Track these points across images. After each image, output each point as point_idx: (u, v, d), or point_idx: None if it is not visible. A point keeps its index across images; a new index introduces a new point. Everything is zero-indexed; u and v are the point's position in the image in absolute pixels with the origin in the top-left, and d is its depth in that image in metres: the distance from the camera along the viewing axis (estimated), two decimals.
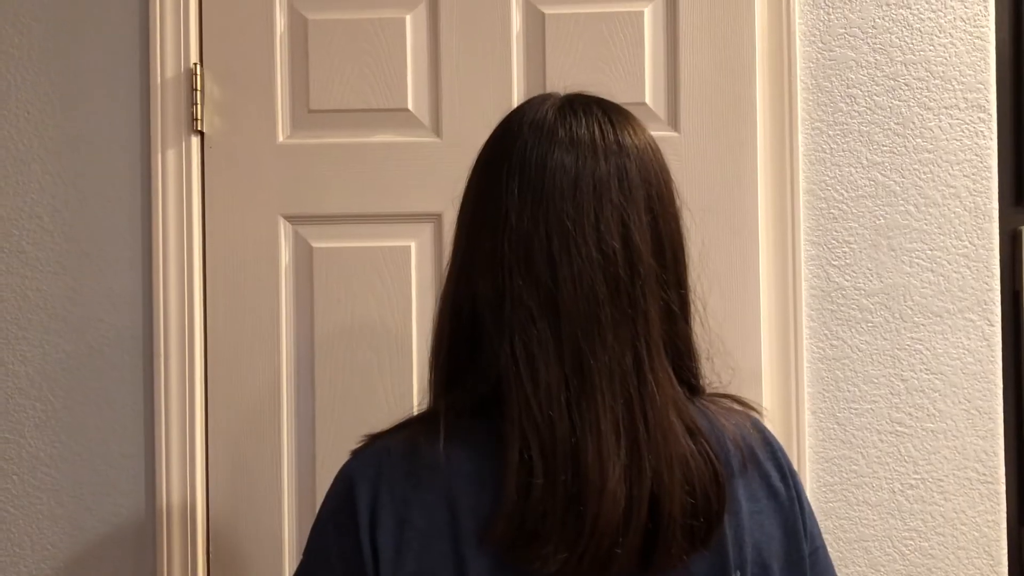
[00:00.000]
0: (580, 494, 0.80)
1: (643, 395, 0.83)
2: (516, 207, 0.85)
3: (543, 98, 0.92)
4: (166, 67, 1.48)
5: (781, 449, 0.95)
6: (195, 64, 1.48)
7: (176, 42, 1.48)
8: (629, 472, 0.81)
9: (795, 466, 1.43)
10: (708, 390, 0.94)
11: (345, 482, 0.89)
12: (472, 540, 0.83)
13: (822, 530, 1.45)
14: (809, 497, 1.43)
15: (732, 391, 0.97)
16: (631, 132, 0.89)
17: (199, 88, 1.47)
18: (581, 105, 0.90)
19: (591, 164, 0.85)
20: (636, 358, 0.83)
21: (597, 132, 0.87)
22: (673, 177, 0.91)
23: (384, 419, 1.45)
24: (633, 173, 0.86)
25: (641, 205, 0.86)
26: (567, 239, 0.83)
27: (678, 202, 0.91)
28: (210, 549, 1.48)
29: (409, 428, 0.91)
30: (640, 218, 0.85)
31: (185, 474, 1.47)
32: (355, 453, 0.92)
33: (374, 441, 0.92)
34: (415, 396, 1.46)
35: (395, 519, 0.85)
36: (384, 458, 0.88)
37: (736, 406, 0.94)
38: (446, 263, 0.93)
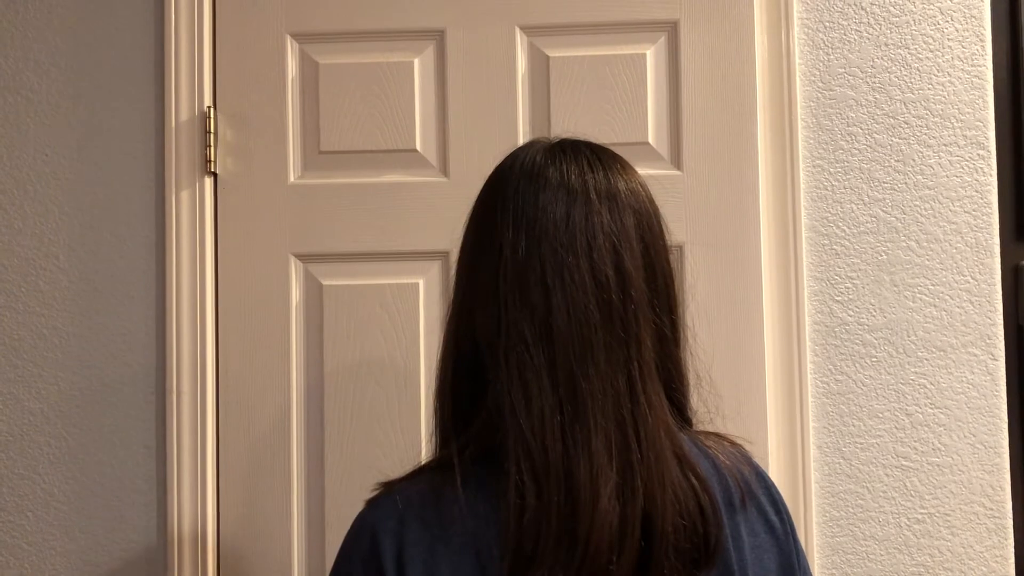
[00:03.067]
0: (573, 514, 0.81)
1: (636, 416, 0.84)
2: (511, 241, 0.87)
3: (533, 143, 0.95)
4: (180, 110, 1.52)
5: (773, 483, 0.97)
6: (209, 107, 1.51)
7: (190, 86, 1.52)
8: (621, 490, 0.82)
9: (801, 501, 1.44)
10: (696, 427, 0.95)
11: (367, 534, 0.87)
12: None
13: (829, 565, 1.45)
14: (815, 532, 1.44)
15: (737, 424, 0.98)
16: (620, 169, 0.92)
17: (212, 131, 1.51)
18: (570, 147, 0.93)
19: (582, 198, 0.88)
20: (629, 380, 0.85)
21: (587, 169, 0.89)
22: (676, 214, 0.94)
23: (392, 455, 1.47)
24: (623, 204, 0.89)
25: (632, 234, 0.88)
26: (561, 266, 0.85)
27: (667, 236, 0.93)
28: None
29: (425, 475, 0.90)
30: (632, 246, 0.88)
31: (196, 510, 1.48)
32: (372, 503, 0.91)
33: (390, 490, 0.90)
34: (423, 432, 1.48)
35: (424, 571, 0.84)
36: (405, 508, 0.87)
37: (725, 442, 0.95)
38: (447, 306, 0.95)
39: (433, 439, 0.94)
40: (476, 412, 0.88)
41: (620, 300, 0.86)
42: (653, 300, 0.88)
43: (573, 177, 0.88)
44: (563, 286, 0.85)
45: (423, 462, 0.93)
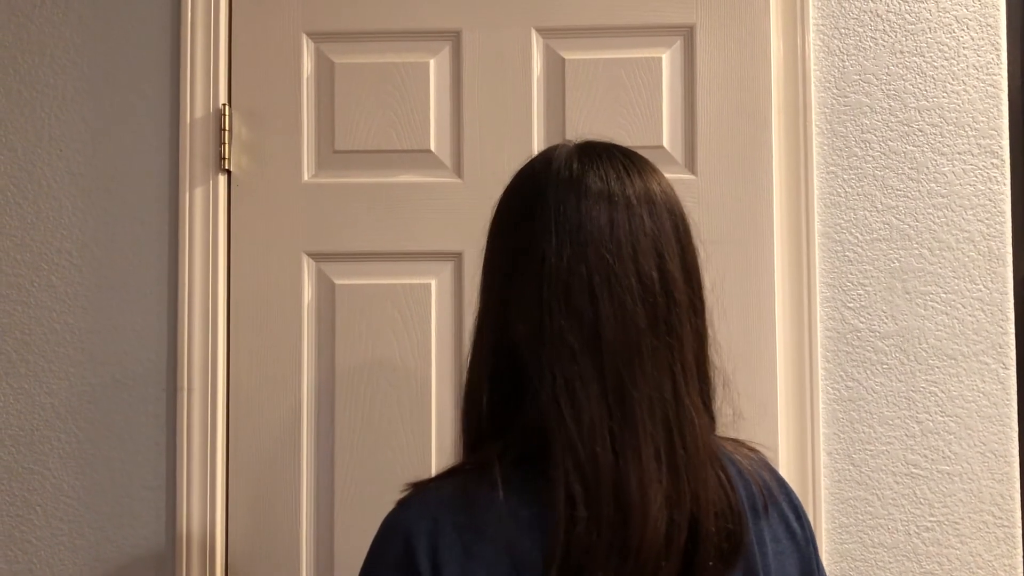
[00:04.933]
0: (625, 524, 0.81)
1: (682, 420, 0.85)
2: (554, 249, 0.86)
3: (559, 146, 0.94)
4: (195, 108, 1.52)
5: (792, 490, 0.97)
6: (224, 105, 1.51)
7: (206, 83, 1.52)
8: (670, 497, 0.82)
9: (810, 507, 1.44)
10: (717, 430, 0.96)
11: (400, 535, 0.86)
12: None
13: (838, 571, 1.45)
14: (824, 538, 1.44)
15: (748, 430, 0.99)
16: (651, 172, 0.92)
17: (227, 128, 1.51)
18: (603, 151, 0.92)
19: (623, 202, 0.87)
20: (673, 383, 0.85)
21: (623, 173, 0.89)
22: (689, 218, 0.94)
23: (402, 455, 1.47)
24: (660, 206, 0.89)
25: (671, 236, 0.89)
26: (608, 273, 0.85)
27: (695, 237, 0.93)
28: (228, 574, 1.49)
29: (460, 476, 0.88)
30: (672, 248, 0.88)
31: (205, 507, 1.49)
32: (403, 504, 0.89)
33: (422, 491, 0.89)
34: (433, 432, 1.48)
35: (460, 574, 0.83)
36: (440, 509, 0.86)
37: (743, 447, 0.96)
38: (475, 315, 0.93)
39: (460, 442, 0.93)
40: (512, 417, 0.88)
41: (664, 303, 0.86)
42: (693, 300, 0.89)
43: (612, 182, 0.88)
44: (611, 293, 0.84)
45: (452, 464, 0.92)
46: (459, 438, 0.93)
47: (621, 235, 0.86)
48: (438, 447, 1.48)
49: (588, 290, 0.85)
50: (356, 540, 1.48)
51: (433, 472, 1.47)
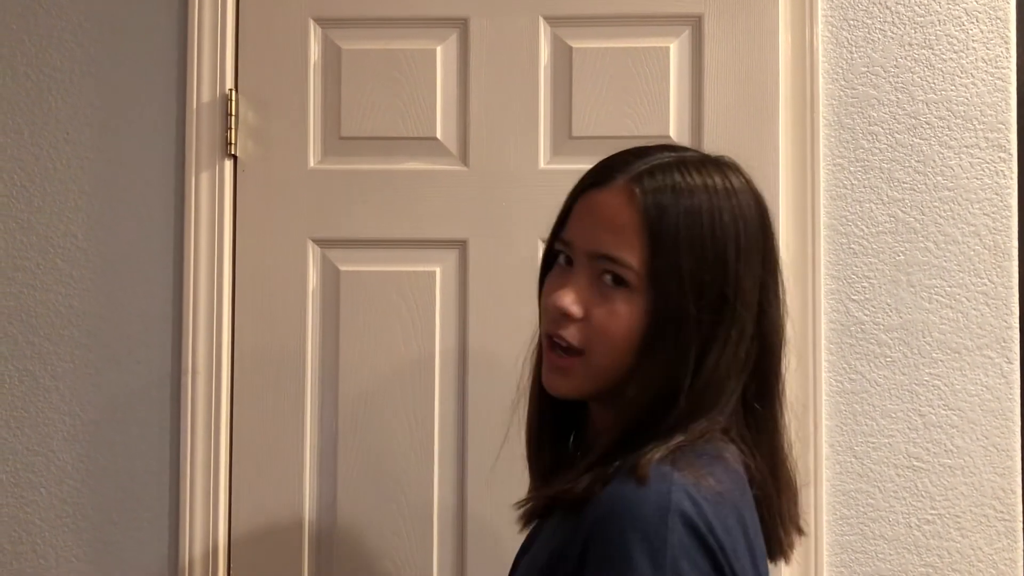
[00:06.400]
0: (780, 498, 0.98)
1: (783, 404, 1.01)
2: (782, 283, 1.00)
3: (730, 163, 0.99)
4: (202, 92, 1.52)
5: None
6: (230, 90, 1.51)
7: (212, 68, 1.52)
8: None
9: (812, 499, 1.44)
10: None
11: (734, 514, 0.89)
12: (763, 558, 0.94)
13: (838, 563, 1.46)
14: (825, 530, 1.45)
15: None
16: None
17: (234, 113, 1.51)
18: None
19: None
20: None
21: None
22: None
23: (405, 441, 1.47)
24: None
25: None
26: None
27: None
28: (231, 561, 1.50)
29: (717, 456, 0.92)
30: None
31: (209, 490, 1.49)
32: (710, 489, 0.88)
33: (711, 470, 0.89)
34: (436, 419, 1.49)
35: (761, 558, 0.93)
36: (739, 486, 0.92)
37: None
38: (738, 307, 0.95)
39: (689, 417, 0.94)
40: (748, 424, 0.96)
41: None
42: None
43: None
44: (779, 303, 1.00)
45: (703, 453, 0.93)
46: (687, 414, 0.93)
47: None
48: (441, 434, 1.49)
49: (781, 300, 1.00)
50: (358, 521, 1.49)
51: (437, 461, 1.48)
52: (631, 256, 0.91)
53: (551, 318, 0.95)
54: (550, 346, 0.96)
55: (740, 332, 0.93)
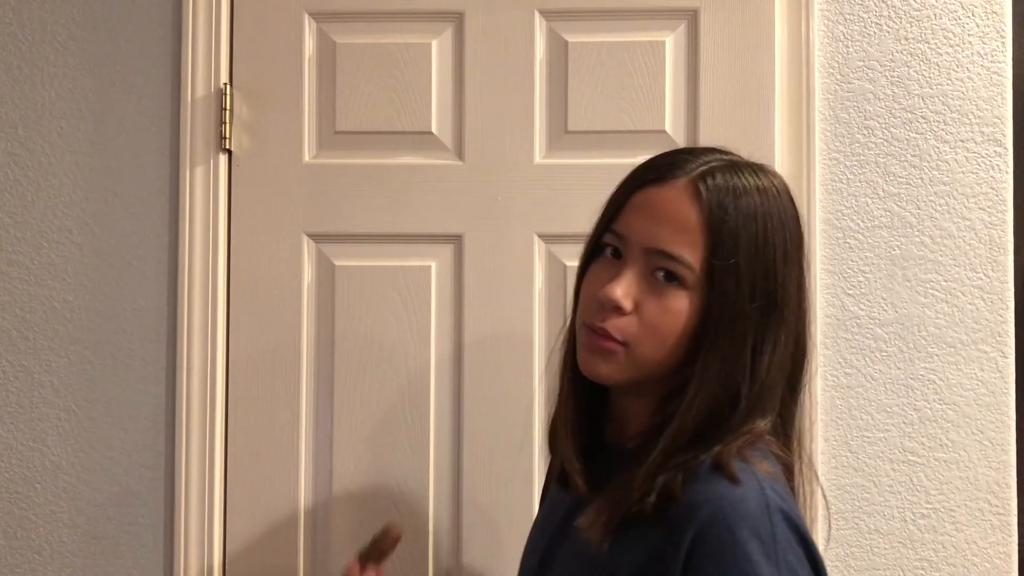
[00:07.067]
0: (804, 490, 1.01)
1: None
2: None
3: (771, 170, 1.01)
4: (197, 86, 1.51)
5: None
6: (225, 84, 1.51)
7: (207, 62, 1.51)
8: None
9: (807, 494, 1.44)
10: None
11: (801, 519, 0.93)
12: None
13: (833, 557, 1.46)
14: (820, 525, 1.45)
15: None
16: None
17: (228, 108, 1.50)
18: None
19: None
20: None
21: None
22: None
23: (401, 436, 1.47)
24: None
25: None
26: None
27: None
28: (226, 555, 1.50)
29: (768, 452, 0.95)
30: None
31: (204, 485, 1.49)
32: (782, 484, 0.93)
33: (774, 467, 0.93)
34: (431, 414, 1.48)
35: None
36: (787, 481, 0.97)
37: None
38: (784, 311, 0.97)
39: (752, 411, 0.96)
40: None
41: None
42: None
43: None
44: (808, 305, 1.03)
45: (758, 447, 0.95)
46: (751, 411, 0.95)
47: None
48: (436, 430, 1.49)
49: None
50: (352, 519, 1.49)
51: (432, 457, 1.48)
52: (691, 254, 0.92)
53: (598, 308, 0.95)
54: (590, 332, 0.96)
55: (787, 334, 0.95)
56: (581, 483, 0.98)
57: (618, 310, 0.93)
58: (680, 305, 0.93)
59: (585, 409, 1.03)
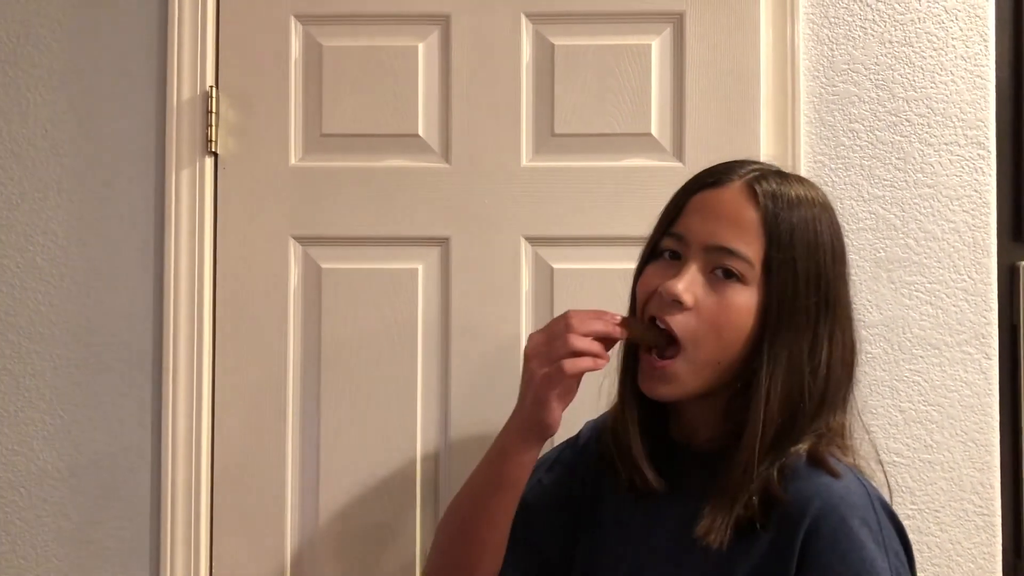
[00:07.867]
0: None
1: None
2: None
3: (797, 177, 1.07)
4: (182, 89, 1.51)
5: None
6: (211, 87, 1.51)
7: (193, 65, 1.51)
8: None
9: None
10: None
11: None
12: None
13: None
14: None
15: None
16: None
17: (214, 110, 1.50)
18: None
19: None
20: None
21: None
22: None
23: (388, 440, 1.47)
24: None
25: None
26: None
27: None
28: (212, 559, 1.49)
29: (849, 449, 1.03)
30: None
31: (191, 490, 1.48)
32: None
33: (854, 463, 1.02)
34: (418, 417, 1.48)
35: None
36: None
37: None
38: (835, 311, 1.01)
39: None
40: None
41: None
42: None
43: None
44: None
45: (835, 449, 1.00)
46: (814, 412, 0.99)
47: None
48: (423, 432, 1.49)
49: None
50: (340, 520, 1.49)
51: (419, 460, 1.48)
52: (750, 250, 0.96)
53: (660, 303, 0.98)
54: (646, 350, 1.00)
55: (842, 333, 0.99)
56: (657, 486, 1.02)
57: (678, 304, 0.96)
58: (740, 300, 0.96)
59: (645, 416, 1.05)
